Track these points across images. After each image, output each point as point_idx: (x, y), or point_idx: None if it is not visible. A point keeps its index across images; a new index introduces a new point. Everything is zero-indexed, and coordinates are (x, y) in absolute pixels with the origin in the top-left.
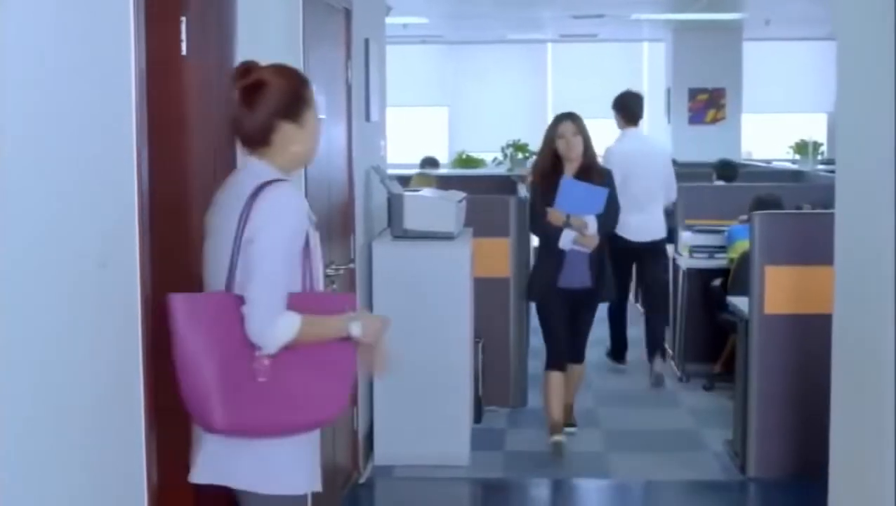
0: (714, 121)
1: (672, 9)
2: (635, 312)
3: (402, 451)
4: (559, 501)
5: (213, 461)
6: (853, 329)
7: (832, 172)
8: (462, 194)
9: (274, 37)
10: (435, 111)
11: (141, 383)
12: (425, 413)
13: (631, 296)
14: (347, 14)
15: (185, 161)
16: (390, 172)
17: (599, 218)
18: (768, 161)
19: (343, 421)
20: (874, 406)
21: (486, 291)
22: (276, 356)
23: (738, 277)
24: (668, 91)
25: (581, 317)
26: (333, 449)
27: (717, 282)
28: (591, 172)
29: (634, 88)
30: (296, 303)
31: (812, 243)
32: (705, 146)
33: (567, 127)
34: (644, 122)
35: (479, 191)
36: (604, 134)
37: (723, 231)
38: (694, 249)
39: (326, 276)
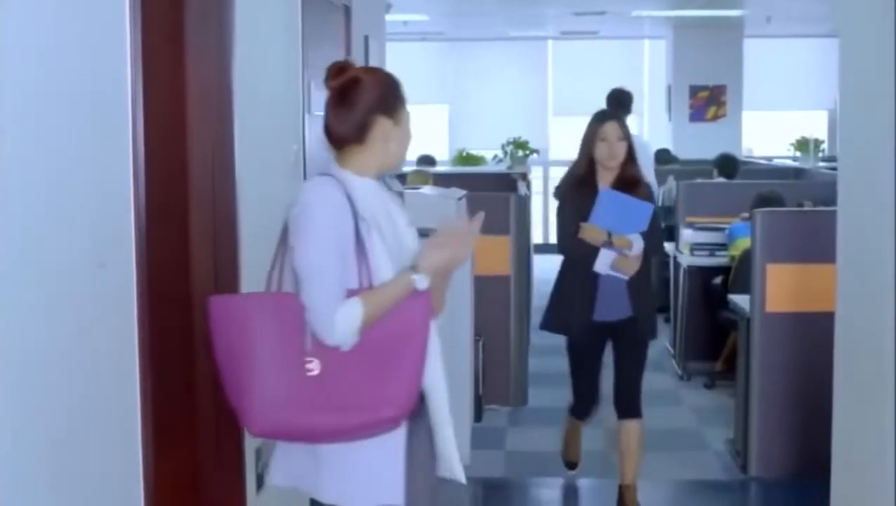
0: (715, 118)
1: (673, 6)
2: None
3: None
4: (560, 500)
5: (293, 465)
6: (856, 327)
7: (833, 169)
8: (462, 192)
9: (273, 34)
10: (435, 109)
11: (138, 383)
12: None
13: None
14: (347, 11)
15: (183, 161)
16: None
17: (643, 238)
18: (769, 158)
19: None
20: (877, 405)
21: (486, 288)
22: (329, 357)
23: (739, 274)
24: (669, 88)
25: (627, 354)
26: None
27: (717, 280)
28: (634, 183)
29: (631, 86)
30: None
31: (814, 241)
32: (706, 143)
33: (611, 130)
34: (644, 119)
35: (480, 188)
36: None
37: (724, 229)
38: (695, 247)
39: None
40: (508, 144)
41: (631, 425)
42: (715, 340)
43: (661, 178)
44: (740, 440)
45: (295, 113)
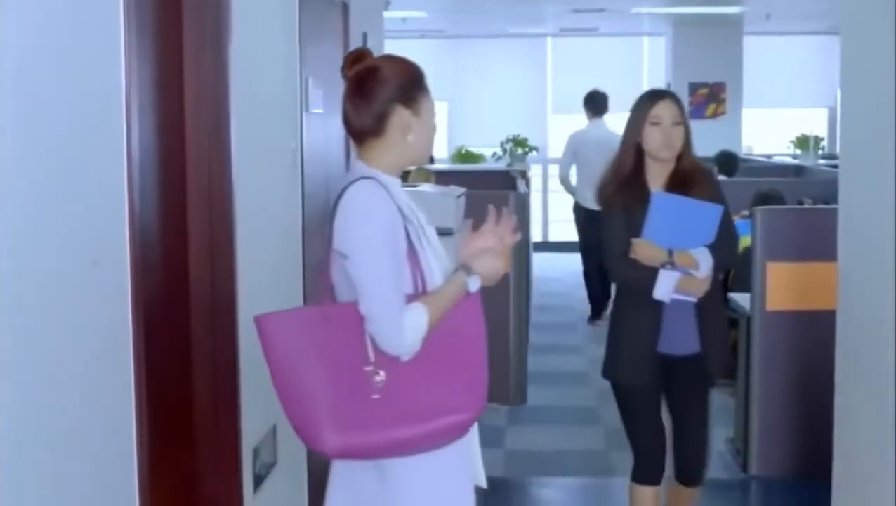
0: (714, 115)
1: (672, 2)
2: None
3: None
4: (560, 500)
5: (355, 488)
6: (857, 325)
7: (833, 166)
8: (461, 190)
9: (270, 31)
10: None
11: (132, 382)
12: None
13: None
14: (345, 8)
15: (179, 159)
16: None
17: (712, 252)
18: (769, 156)
19: None
20: (878, 404)
21: (485, 288)
22: (393, 368)
23: (739, 273)
24: (669, 85)
25: (691, 401)
26: None
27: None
28: (695, 179)
29: (631, 83)
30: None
31: (814, 239)
32: (706, 141)
33: (666, 110)
34: None
35: (479, 186)
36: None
37: None
38: None
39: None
40: (507, 141)
41: (689, 492)
42: None
43: None
44: (741, 439)
45: (293, 111)
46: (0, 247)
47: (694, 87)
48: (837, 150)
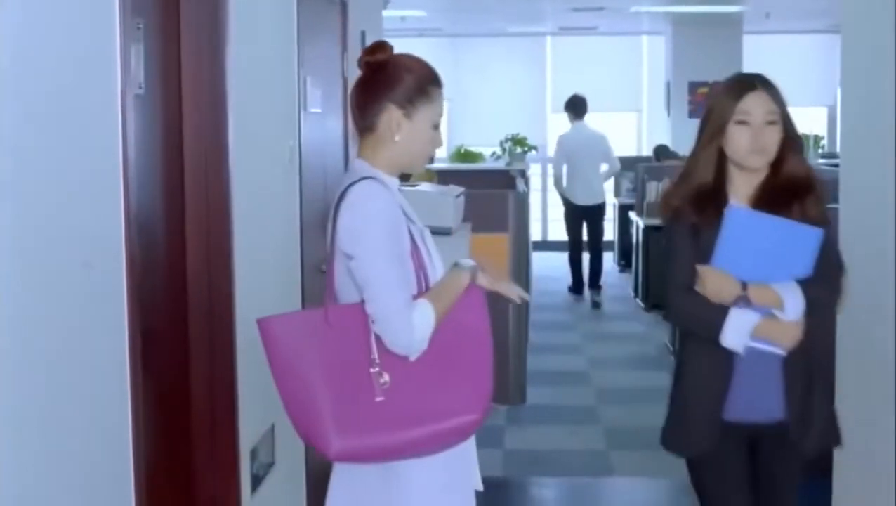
0: None
1: (672, 1)
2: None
3: None
4: (560, 500)
5: (357, 489)
6: (858, 325)
7: (833, 165)
8: (460, 189)
9: (268, 29)
10: None
11: (128, 383)
12: None
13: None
14: (343, 6)
15: (176, 158)
16: None
17: (806, 287)
18: None
19: None
20: (879, 403)
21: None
22: (398, 369)
23: None
24: (668, 84)
25: (772, 486)
26: None
27: None
28: (796, 194)
29: (630, 82)
30: None
31: None
32: None
33: (757, 104)
34: (643, 116)
35: (478, 185)
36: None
37: None
38: None
39: (321, 272)
40: (507, 140)
41: None
42: None
43: (660, 175)
44: None
45: (290, 110)
46: None
47: (693, 87)
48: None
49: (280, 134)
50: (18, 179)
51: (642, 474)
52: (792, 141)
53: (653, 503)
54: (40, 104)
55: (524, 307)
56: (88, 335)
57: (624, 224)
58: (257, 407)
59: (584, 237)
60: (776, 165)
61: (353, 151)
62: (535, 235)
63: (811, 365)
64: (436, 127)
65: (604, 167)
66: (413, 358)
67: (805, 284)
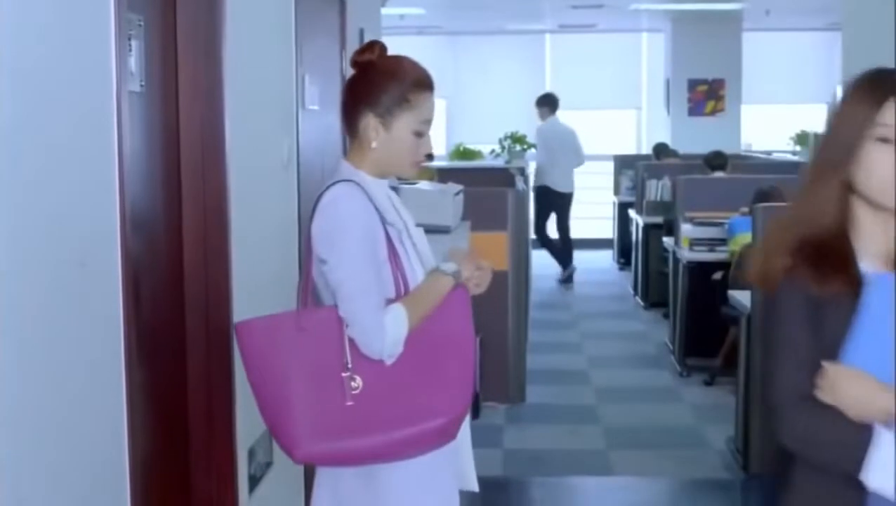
0: (714, 112)
1: None
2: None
3: None
4: (559, 500)
5: (340, 491)
6: None
7: None
8: (459, 187)
9: (265, 27)
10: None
11: (123, 383)
12: None
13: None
14: (341, 4)
15: (173, 157)
16: None
17: None
18: (769, 152)
19: None
20: None
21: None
22: (372, 372)
23: (739, 270)
24: (668, 82)
25: None
26: None
27: (717, 275)
28: None
29: (630, 80)
30: None
31: None
32: (705, 138)
33: None
34: (642, 113)
35: (477, 183)
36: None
37: (723, 224)
38: (694, 242)
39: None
40: (506, 138)
41: None
42: (714, 336)
43: (659, 173)
44: (741, 438)
45: (288, 108)
46: None
47: (693, 84)
48: None
49: (278, 132)
50: (12, 178)
51: (642, 473)
52: None
53: (652, 503)
54: (35, 101)
55: (523, 305)
56: (84, 335)
57: (623, 222)
58: (255, 406)
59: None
60: None
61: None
62: (534, 233)
63: None
64: (419, 134)
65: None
66: (388, 362)
67: None
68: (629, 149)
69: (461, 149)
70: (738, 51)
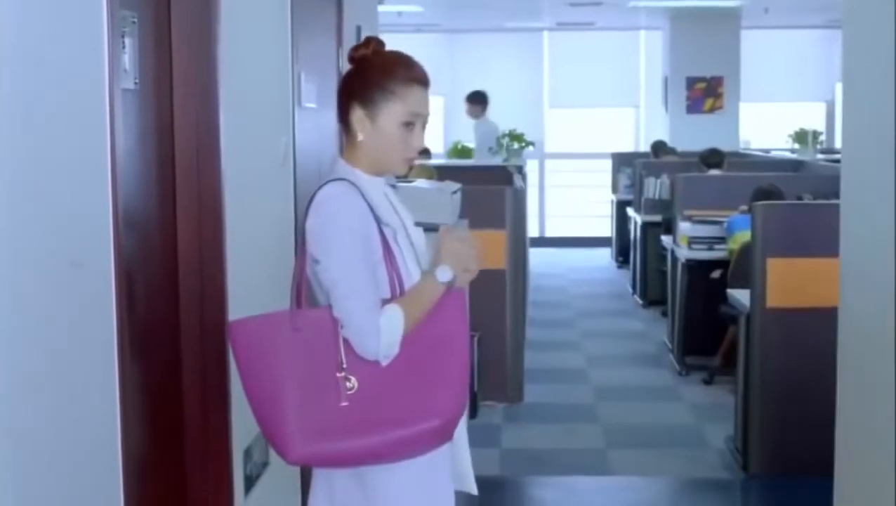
0: (712, 110)
1: None
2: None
3: None
4: (558, 499)
5: (336, 494)
6: (859, 322)
7: (832, 161)
8: (457, 185)
9: (261, 23)
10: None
11: (116, 383)
12: None
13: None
14: (339, 1)
15: (166, 155)
16: None
17: None
18: (767, 150)
19: None
20: (882, 401)
21: (481, 283)
22: (367, 373)
23: (738, 269)
24: (666, 80)
25: None
26: None
27: (716, 273)
28: None
29: (628, 77)
30: None
31: (815, 235)
32: (703, 135)
33: None
34: (640, 111)
35: (475, 181)
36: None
37: (722, 222)
38: (692, 241)
39: None
40: (504, 136)
41: None
42: (713, 334)
43: (658, 171)
44: (740, 438)
45: (284, 105)
46: None
47: (691, 82)
48: (836, 144)
49: (274, 129)
50: (1, 177)
51: (641, 472)
52: None
53: (652, 503)
54: (26, 100)
55: (521, 304)
56: (76, 334)
57: (622, 221)
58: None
59: None
60: None
61: None
62: (532, 231)
63: None
64: (407, 125)
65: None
66: (384, 363)
67: None
68: (627, 147)
69: (459, 147)
70: (736, 48)
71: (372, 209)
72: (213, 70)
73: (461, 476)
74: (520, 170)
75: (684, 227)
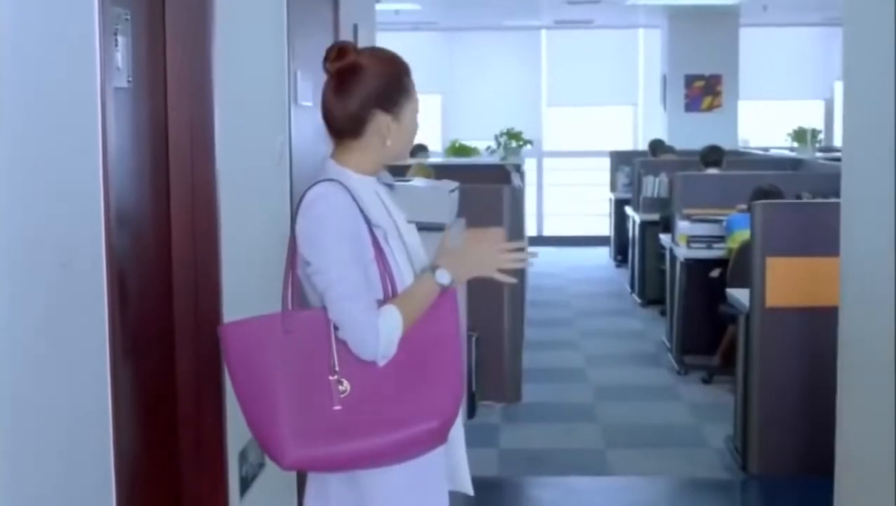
0: (711, 108)
1: None
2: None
3: None
4: (556, 500)
5: (331, 499)
6: (860, 321)
7: (831, 160)
8: (454, 184)
9: (257, 21)
10: (428, 99)
11: (108, 385)
12: None
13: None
14: None
15: (159, 154)
16: None
17: None
18: (766, 149)
19: None
20: (883, 401)
21: (479, 283)
22: (360, 375)
23: (737, 268)
24: (664, 78)
25: None
26: None
27: (715, 272)
28: None
29: (626, 76)
30: None
31: (815, 234)
32: (702, 134)
33: None
34: (639, 109)
35: (473, 180)
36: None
37: (721, 221)
38: (691, 239)
39: None
40: (502, 134)
41: None
42: (712, 333)
43: (656, 169)
44: (740, 437)
45: (280, 103)
46: None
47: (690, 80)
48: (835, 143)
49: (269, 128)
50: None
51: (641, 472)
52: None
53: (651, 503)
54: (15, 99)
55: (519, 303)
56: (67, 336)
57: (620, 219)
58: None
59: None
60: None
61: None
62: (530, 230)
63: None
64: (417, 112)
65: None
66: (382, 364)
67: None
68: (626, 145)
69: (457, 145)
70: (735, 46)
71: (362, 210)
72: (208, 68)
73: (457, 477)
74: (518, 168)
75: (683, 225)
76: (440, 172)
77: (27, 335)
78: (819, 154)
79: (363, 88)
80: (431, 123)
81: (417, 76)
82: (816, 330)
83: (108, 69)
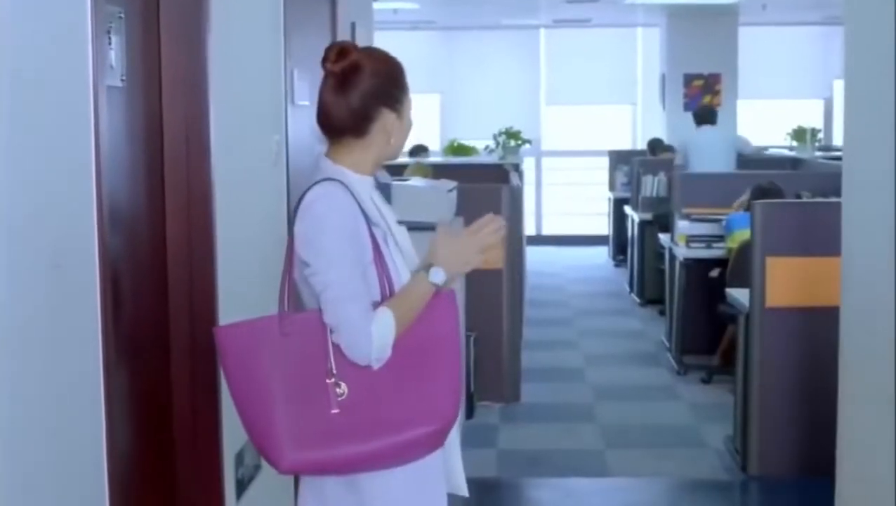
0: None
1: None
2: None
3: None
4: (555, 501)
5: (329, 502)
6: (860, 321)
7: (830, 159)
8: (453, 183)
9: (253, 20)
10: (427, 98)
11: (101, 388)
12: None
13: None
14: None
15: (154, 154)
16: None
17: None
18: (765, 148)
19: None
20: (884, 401)
21: (478, 283)
22: (358, 378)
23: (737, 268)
24: (663, 77)
25: None
26: None
27: (715, 272)
28: None
29: (625, 75)
30: None
31: (815, 233)
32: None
33: None
34: (638, 108)
35: (471, 179)
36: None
37: (720, 220)
38: (691, 239)
39: None
40: (500, 134)
41: None
42: (711, 333)
43: (655, 168)
44: (740, 438)
45: (277, 103)
46: None
47: (689, 79)
48: (834, 142)
49: (265, 128)
50: None
51: (639, 473)
52: None
53: (650, 504)
54: (6, 98)
55: (518, 303)
56: (59, 338)
57: (619, 219)
58: None
59: None
60: None
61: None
62: (529, 229)
63: None
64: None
65: None
66: (376, 367)
67: None
68: (624, 144)
69: (455, 144)
70: (734, 45)
71: (363, 209)
72: (203, 67)
73: (451, 478)
74: (516, 168)
75: (682, 225)
76: (439, 171)
77: (19, 337)
78: (818, 153)
79: (368, 87)
80: (430, 123)
81: (415, 75)
82: (816, 330)
83: (101, 68)
